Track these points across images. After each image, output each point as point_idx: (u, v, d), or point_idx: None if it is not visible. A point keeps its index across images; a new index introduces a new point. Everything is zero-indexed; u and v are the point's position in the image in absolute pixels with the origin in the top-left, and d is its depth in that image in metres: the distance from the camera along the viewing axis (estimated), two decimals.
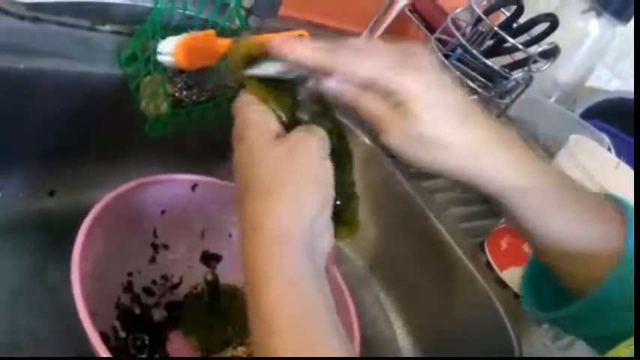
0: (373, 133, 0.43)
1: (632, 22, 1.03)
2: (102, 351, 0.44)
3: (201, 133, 0.69)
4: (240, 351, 0.67)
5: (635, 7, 0.99)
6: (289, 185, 0.38)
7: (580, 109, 1.13)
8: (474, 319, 0.74)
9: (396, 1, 0.47)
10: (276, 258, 0.37)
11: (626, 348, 0.41)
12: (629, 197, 0.47)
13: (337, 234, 0.43)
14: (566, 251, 0.44)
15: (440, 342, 0.78)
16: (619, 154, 0.90)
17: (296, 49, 0.42)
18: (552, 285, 0.48)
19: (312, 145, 0.40)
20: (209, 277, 0.68)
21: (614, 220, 0.44)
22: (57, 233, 0.62)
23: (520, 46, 0.76)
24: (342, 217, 0.44)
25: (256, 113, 0.42)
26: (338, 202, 0.43)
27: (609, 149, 0.91)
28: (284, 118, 0.43)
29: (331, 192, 0.40)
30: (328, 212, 0.40)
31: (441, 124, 0.41)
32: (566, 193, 0.44)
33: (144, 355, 0.61)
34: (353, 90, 0.42)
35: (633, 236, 0.42)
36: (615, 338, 0.43)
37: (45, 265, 0.63)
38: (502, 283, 0.73)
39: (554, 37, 0.82)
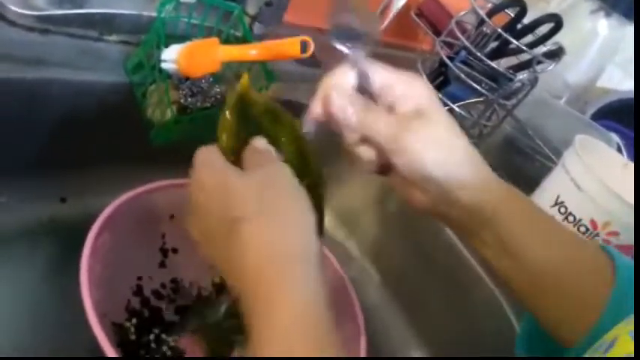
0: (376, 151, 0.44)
1: None
2: (111, 354, 0.45)
3: (207, 139, 0.70)
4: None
5: (635, 6, 0.98)
6: (284, 208, 0.40)
7: (592, 110, 1.13)
8: (488, 330, 0.74)
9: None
10: (289, 279, 0.37)
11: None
12: None
13: None
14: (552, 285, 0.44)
15: (452, 353, 0.77)
16: (630, 154, 0.90)
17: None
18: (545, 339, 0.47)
19: (286, 174, 0.43)
20: (217, 281, 0.69)
21: (603, 268, 0.43)
22: (68, 239, 0.64)
23: (524, 47, 0.76)
24: None
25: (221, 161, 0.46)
26: None
27: (619, 149, 0.90)
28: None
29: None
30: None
31: (453, 128, 0.43)
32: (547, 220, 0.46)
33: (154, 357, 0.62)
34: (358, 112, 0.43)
35: (621, 285, 0.41)
36: None
37: (57, 271, 0.64)
38: None
39: (564, 38, 0.81)
